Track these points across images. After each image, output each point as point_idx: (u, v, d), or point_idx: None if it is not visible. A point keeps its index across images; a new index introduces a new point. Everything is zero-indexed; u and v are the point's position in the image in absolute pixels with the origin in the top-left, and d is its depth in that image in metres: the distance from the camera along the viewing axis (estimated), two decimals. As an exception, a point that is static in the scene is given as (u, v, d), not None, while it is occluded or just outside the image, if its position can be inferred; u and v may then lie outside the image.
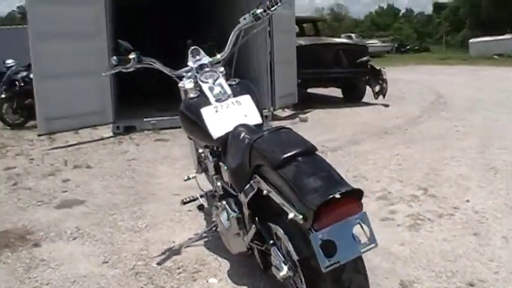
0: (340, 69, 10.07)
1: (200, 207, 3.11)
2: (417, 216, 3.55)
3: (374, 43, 38.25)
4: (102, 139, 7.25)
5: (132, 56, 2.76)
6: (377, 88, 9.93)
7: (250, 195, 2.20)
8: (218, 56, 3.01)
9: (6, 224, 3.76)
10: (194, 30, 11.23)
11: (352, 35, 41.06)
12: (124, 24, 11.44)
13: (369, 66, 10.22)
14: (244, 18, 2.99)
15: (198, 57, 2.94)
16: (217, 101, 2.69)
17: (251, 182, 2.16)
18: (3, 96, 8.77)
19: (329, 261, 1.70)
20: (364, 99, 10.56)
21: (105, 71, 3.11)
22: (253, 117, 2.65)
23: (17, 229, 3.63)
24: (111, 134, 7.51)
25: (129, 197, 4.35)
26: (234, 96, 2.72)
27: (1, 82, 9.16)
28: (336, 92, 11.49)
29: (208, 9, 11.85)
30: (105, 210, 4.00)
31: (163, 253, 3.12)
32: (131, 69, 2.83)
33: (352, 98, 10.74)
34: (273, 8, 2.95)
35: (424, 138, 6.39)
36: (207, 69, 2.87)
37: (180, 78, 2.95)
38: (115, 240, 3.37)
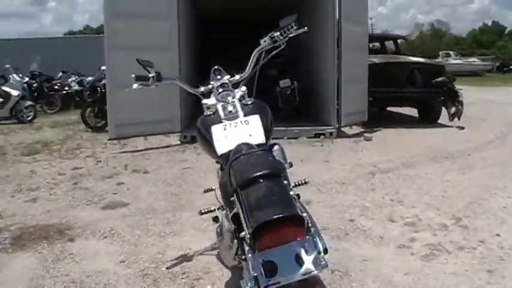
0: (414, 89, 9.80)
1: (215, 219, 3.26)
2: (436, 246, 3.43)
3: (473, 61, 36.54)
4: (168, 146, 7.69)
5: (151, 74, 2.98)
6: (452, 110, 9.46)
7: (233, 211, 2.33)
8: (237, 76, 3.16)
9: (53, 219, 4.19)
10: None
11: (451, 52, 39.49)
12: (205, 38, 12.01)
13: (446, 87, 9.82)
14: (264, 41, 3.12)
15: (219, 77, 3.12)
16: (228, 119, 2.83)
17: (231, 199, 2.29)
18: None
19: (269, 281, 1.79)
20: (441, 121, 10.17)
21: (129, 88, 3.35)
22: (257, 137, 2.75)
23: (61, 224, 4.04)
24: (178, 142, 7.93)
25: (169, 203, 4.63)
26: (245, 115, 2.85)
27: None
28: (413, 112, 11.18)
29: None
30: (143, 214, 4.30)
31: (176, 258, 3.33)
32: (152, 87, 3.06)
33: (428, 118, 10.39)
34: (289, 32, 3.05)
35: (484, 165, 6.08)
36: (224, 88, 3.03)
37: (207, 95, 3.14)
38: (139, 243, 3.64)
